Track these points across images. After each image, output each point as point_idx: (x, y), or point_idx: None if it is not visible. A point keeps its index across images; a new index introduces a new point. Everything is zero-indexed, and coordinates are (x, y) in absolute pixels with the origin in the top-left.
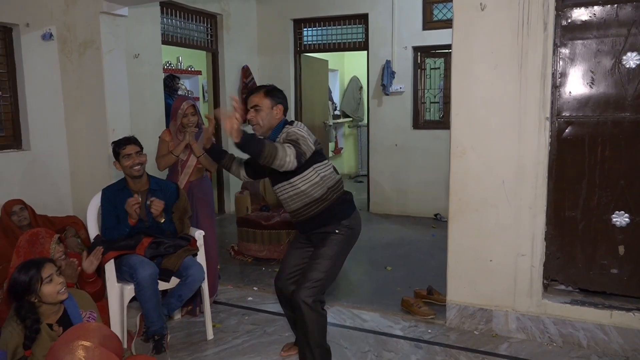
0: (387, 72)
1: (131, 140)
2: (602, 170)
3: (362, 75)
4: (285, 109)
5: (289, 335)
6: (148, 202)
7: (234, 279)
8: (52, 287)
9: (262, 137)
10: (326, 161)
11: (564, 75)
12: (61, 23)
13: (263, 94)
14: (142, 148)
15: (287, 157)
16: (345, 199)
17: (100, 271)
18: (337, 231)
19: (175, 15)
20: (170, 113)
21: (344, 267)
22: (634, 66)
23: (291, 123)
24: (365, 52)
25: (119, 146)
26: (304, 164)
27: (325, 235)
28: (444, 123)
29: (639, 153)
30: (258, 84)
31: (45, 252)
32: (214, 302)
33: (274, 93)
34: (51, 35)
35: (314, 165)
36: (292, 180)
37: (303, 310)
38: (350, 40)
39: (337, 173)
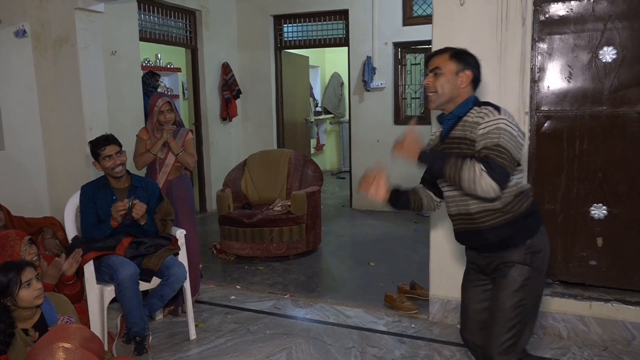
0: (368, 68)
1: (110, 140)
2: (580, 164)
3: (343, 71)
4: (476, 79)
5: (271, 333)
6: (130, 204)
7: (217, 277)
8: (30, 292)
9: (437, 153)
10: (520, 166)
11: (542, 69)
12: (35, 19)
13: (449, 56)
14: (121, 147)
15: (479, 185)
16: (534, 211)
17: (79, 273)
18: (521, 262)
19: (153, 12)
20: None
21: (326, 263)
22: (610, 61)
23: (489, 103)
24: (346, 48)
25: (97, 146)
26: None
27: (507, 268)
28: (424, 118)
29: (615, 146)
30: (238, 81)
31: (15, 254)
32: (196, 302)
33: (463, 57)
34: (25, 31)
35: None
36: None
37: None
38: (330, 37)
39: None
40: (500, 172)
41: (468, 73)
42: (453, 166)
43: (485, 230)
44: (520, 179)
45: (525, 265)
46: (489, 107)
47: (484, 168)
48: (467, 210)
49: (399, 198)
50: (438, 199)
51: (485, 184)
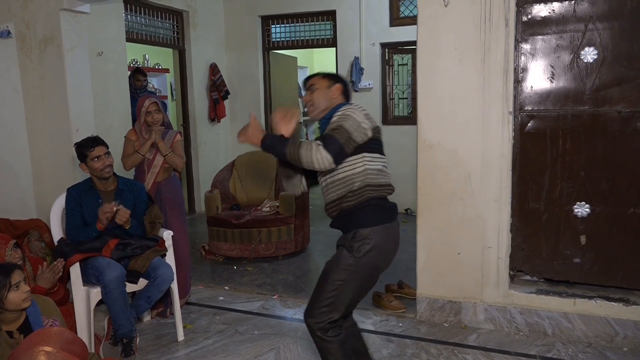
0: (356, 69)
1: (98, 141)
2: (564, 163)
3: (332, 71)
4: (345, 91)
5: (259, 334)
6: (115, 209)
7: (205, 278)
8: (19, 295)
9: (281, 137)
10: (379, 155)
11: (525, 70)
12: (19, 19)
13: (321, 76)
14: (108, 148)
15: (315, 157)
16: (379, 206)
17: (63, 276)
18: (347, 248)
19: (140, 12)
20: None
21: (316, 265)
22: (591, 61)
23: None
24: (334, 48)
25: (85, 148)
26: (355, 149)
27: (340, 249)
28: (412, 119)
29: (597, 145)
30: (227, 82)
31: (0, 258)
32: (185, 303)
33: (333, 76)
34: (9, 32)
35: (364, 154)
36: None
37: (312, 335)
38: (318, 37)
39: (388, 178)
40: (334, 146)
41: (338, 86)
42: (292, 146)
43: (340, 214)
44: (375, 168)
45: (350, 253)
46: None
47: (320, 143)
48: (329, 198)
49: (275, 139)
50: (306, 188)
51: (321, 155)
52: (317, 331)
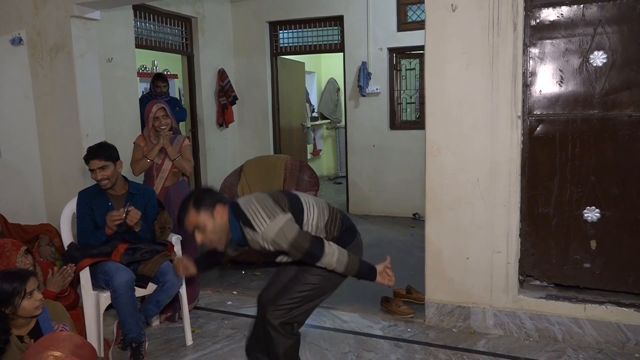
0: (364, 74)
1: (96, 154)
2: (573, 167)
3: (339, 76)
4: (225, 202)
5: None
6: (126, 211)
7: (213, 283)
8: (31, 303)
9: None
10: (305, 210)
11: (534, 74)
12: (31, 27)
13: (194, 211)
14: (110, 159)
15: (331, 258)
16: (344, 232)
17: (73, 281)
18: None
19: (149, 19)
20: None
21: None
22: (600, 65)
23: (243, 213)
24: (342, 53)
25: (86, 158)
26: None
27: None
28: (420, 123)
29: (607, 149)
30: (234, 87)
31: (11, 264)
32: (193, 308)
33: (201, 201)
34: (21, 39)
35: (302, 225)
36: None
37: (268, 329)
38: (326, 42)
39: (326, 207)
40: (314, 251)
41: (219, 207)
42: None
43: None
44: (317, 218)
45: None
46: (249, 223)
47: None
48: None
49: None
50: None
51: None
52: (275, 325)
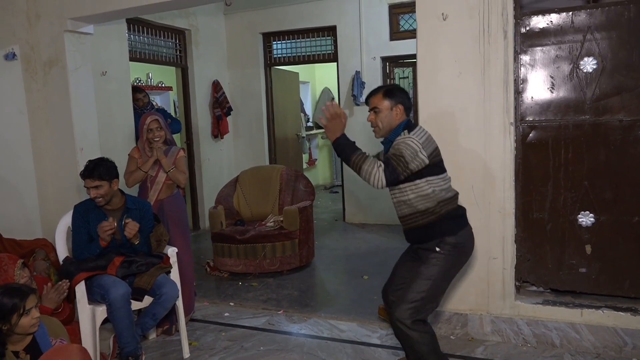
0: (357, 83)
1: (91, 174)
2: (566, 172)
3: (333, 86)
4: (407, 108)
5: (265, 350)
6: (123, 223)
7: (210, 295)
8: (29, 320)
9: (353, 144)
10: (444, 175)
11: (525, 81)
12: (24, 42)
13: (382, 95)
14: (105, 178)
15: (373, 176)
16: (456, 215)
17: (69, 295)
18: (438, 249)
19: (143, 32)
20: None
21: (320, 278)
22: (590, 70)
23: (414, 126)
24: (335, 63)
25: (82, 175)
26: (417, 174)
27: (427, 253)
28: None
29: (599, 154)
30: (229, 98)
31: (9, 278)
32: (190, 320)
33: (393, 93)
34: (14, 54)
35: (428, 178)
36: (402, 186)
37: (402, 330)
38: (319, 52)
39: (453, 190)
40: (392, 174)
41: (400, 107)
42: (359, 157)
43: (415, 227)
44: (442, 188)
45: (441, 253)
46: (406, 131)
47: (381, 166)
48: (402, 213)
49: (350, 145)
50: None
51: (377, 177)
52: (410, 323)
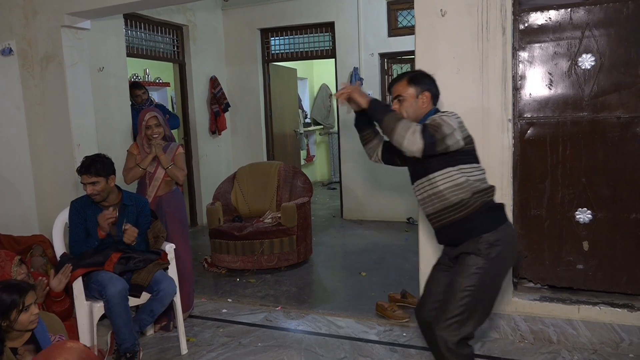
0: (355, 79)
1: (88, 170)
2: (564, 169)
3: (331, 82)
4: (435, 96)
5: (263, 346)
6: (123, 229)
7: (208, 291)
8: (28, 317)
9: (388, 105)
10: (478, 165)
11: (523, 77)
12: (21, 37)
13: (406, 82)
14: (101, 175)
15: (408, 137)
16: (494, 207)
17: (68, 289)
18: (476, 253)
19: (140, 27)
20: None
21: (318, 274)
22: (589, 67)
23: (444, 111)
24: (333, 59)
25: (78, 171)
26: (448, 161)
27: (464, 257)
28: None
29: (597, 151)
30: (227, 94)
31: (6, 275)
32: (188, 316)
33: (419, 79)
34: (11, 50)
35: (461, 165)
36: (431, 176)
37: (442, 351)
38: (317, 49)
39: (487, 182)
40: (429, 138)
41: (427, 94)
42: (393, 116)
43: (447, 225)
44: (477, 178)
45: (479, 256)
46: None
47: (419, 129)
48: (434, 209)
49: (368, 120)
50: (379, 157)
51: (414, 138)
52: (451, 345)
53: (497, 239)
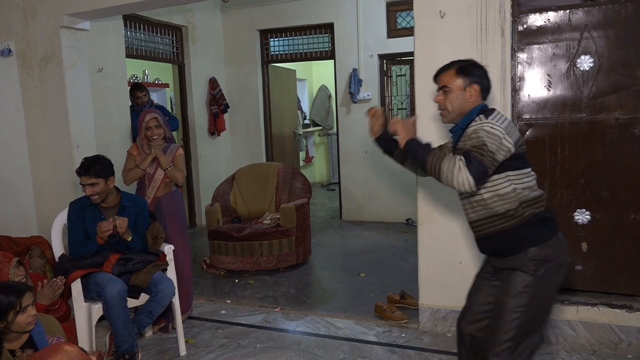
0: (354, 80)
1: (87, 171)
2: (563, 170)
3: (331, 83)
4: (485, 90)
5: (262, 347)
6: (113, 222)
7: (207, 292)
8: (25, 318)
9: (428, 145)
10: (528, 170)
11: (522, 79)
12: (20, 38)
13: (454, 72)
14: (101, 176)
15: (456, 177)
16: (544, 218)
17: (64, 293)
18: (522, 270)
19: (139, 28)
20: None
21: (316, 275)
22: (587, 69)
23: (491, 111)
24: (332, 61)
25: (78, 172)
26: (497, 167)
27: (509, 273)
28: None
29: (596, 152)
30: (226, 95)
31: (4, 276)
32: (187, 317)
33: (468, 70)
34: (10, 50)
35: (508, 172)
36: None
37: None
38: (317, 50)
39: (538, 190)
40: (478, 169)
41: (475, 87)
42: (435, 157)
43: (490, 235)
44: (525, 186)
45: (526, 273)
46: (482, 115)
47: (464, 162)
48: (476, 217)
49: (390, 140)
50: (423, 173)
51: (462, 177)
52: None
53: (547, 254)
